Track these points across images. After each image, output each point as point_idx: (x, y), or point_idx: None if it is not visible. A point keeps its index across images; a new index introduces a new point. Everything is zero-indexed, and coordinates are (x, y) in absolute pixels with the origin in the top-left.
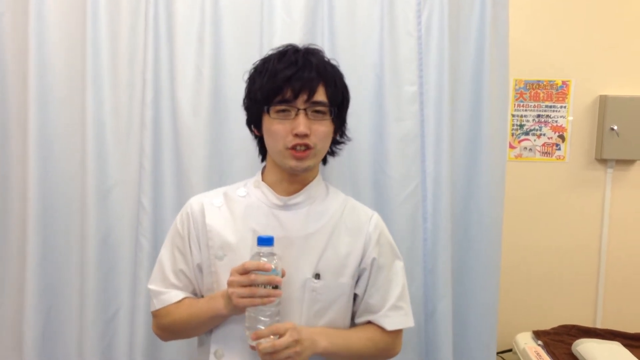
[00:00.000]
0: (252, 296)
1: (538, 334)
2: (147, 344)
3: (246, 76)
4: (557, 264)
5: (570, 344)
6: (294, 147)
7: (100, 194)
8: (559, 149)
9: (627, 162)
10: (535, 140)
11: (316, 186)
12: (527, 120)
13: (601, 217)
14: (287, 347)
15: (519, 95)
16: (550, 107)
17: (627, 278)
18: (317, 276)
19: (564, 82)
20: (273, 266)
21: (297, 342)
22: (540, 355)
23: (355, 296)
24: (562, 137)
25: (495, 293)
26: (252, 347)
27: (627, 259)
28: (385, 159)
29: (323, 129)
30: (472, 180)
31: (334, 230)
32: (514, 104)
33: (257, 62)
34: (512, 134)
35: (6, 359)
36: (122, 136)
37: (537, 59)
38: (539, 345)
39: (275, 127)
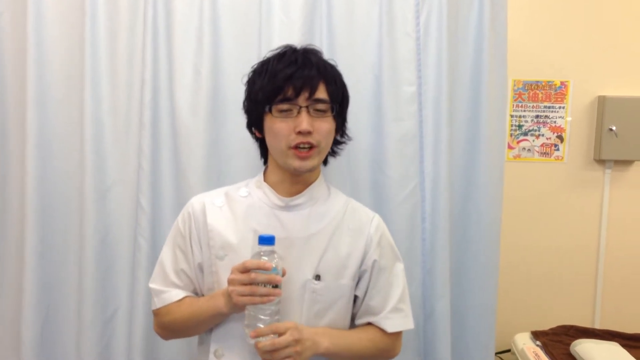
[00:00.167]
0: (251, 294)
1: (536, 335)
2: (145, 344)
3: (245, 79)
4: (556, 265)
5: (569, 345)
6: (297, 147)
7: (99, 194)
8: (558, 149)
9: (626, 163)
10: (533, 140)
11: (318, 187)
12: (526, 121)
13: (599, 218)
14: (286, 346)
15: (518, 96)
16: (549, 107)
17: (625, 278)
18: (318, 277)
19: (562, 83)
20: (273, 265)
21: (297, 341)
22: (538, 356)
23: (355, 298)
24: (560, 138)
25: (494, 293)
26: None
27: (626, 259)
28: (383, 159)
29: (326, 125)
30: (470, 181)
31: (335, 232)
32: (513, 105)
33: (256, 65)
34: (511, 135)
35: (4, 359)
36: (121, 136)
37: (536, 59)
38: (537, 345)
39: (278, 125)
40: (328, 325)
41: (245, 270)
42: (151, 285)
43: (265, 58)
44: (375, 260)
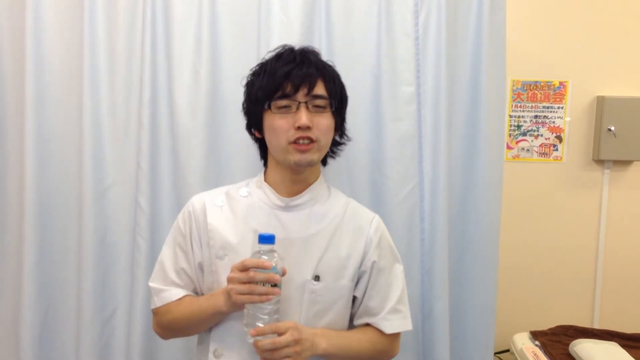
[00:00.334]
0: (250, 293)
1: (535, 335)
2: (144, 344)
3: (244, 81)
4: (555, 265)
5: (568, 345)
6: (296, 141)
7: (98, 194)
8: (557, 149)
9: (624, 163)
10: (532, 140)
11: (318, 187)
12: (525, 121)
13: (598, 218)
14: (286, 346)
15: (517, 96)
16: (548, 107)
17: (624, 278)
18: (317, 278)
19: (561, 83)
20: (273, 264)
21: (297, 341)
22: (537, 356)
23: (354, 298)
24: (559, 138)
25: (493, 293)
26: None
27: (625, 260)
28: (382, 159)
29: (325, 121)
30: (469, 181)
31: (335, 232)
32: (512, 105)
33: (254, 67)
34: (510, 135)
35: (3, 359)
36: (120, 136)
37: (535, 59)
38: (536, 345)
39: (277, 122)
40: (327, 325)
41: (244, 268)
42: (151, 284)
43: (264, 60)
44: (374, 261)
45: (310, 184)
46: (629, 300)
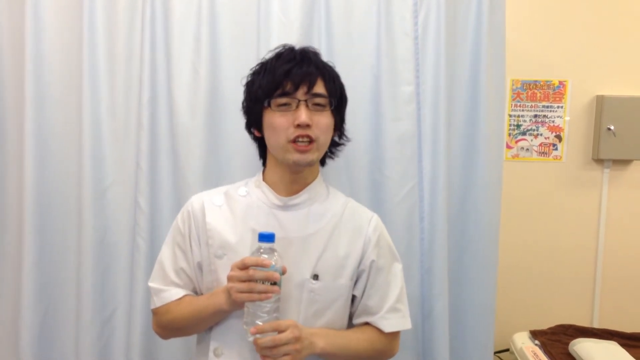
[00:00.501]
0: (250, 291)
1: (535, 334)
2: (144, 344)
3: (244, 81)
4: (554, 264)
5: (568, 344)
6: (296, 140)
7: (97, 194)
8: (556, 149)
9: (624, 162)
10: (532, 140)
11: (317, 187)
12: (524, 120)
13: (598, 217)
14: (286, 343)
15: (516, 96)
16: (547, 107)
17: (623, 278)
18: (316, 277)
19: (560, 82)
20: (272, 262)
21: (297, 339)
22: (537, 355)
23: (353, 297)
24: (559, 137)
25: (493, 293)
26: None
27: (624, 259)
28: (382, 158)
29: (324, 120)
30: (469, 180)
31: (334, 232)
32: (511, 104)
33: (255, 67)
34: (509, 134)
35: (3, 359)
36: (119, 136)
37: (534, 59)
38: (536, 345)
39: (277, 120)
40: (326, 324)
41: (244, 267)
42: (150, 284)
43: (264, 59)
44: (373, 261)
45: (308, 184)
46: (629, 299)
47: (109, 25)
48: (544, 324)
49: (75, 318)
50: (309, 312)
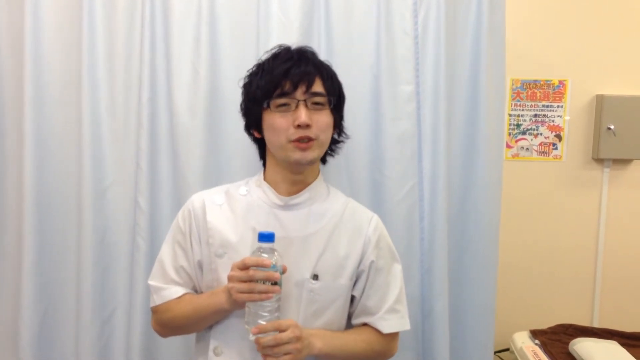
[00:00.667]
0: (250, 291)
1: (535, 333)
2: (144, 343)
3: (241, 82)
4: (554, 264)
5: (568, 343)
6: (297, 140)
7: (97, 194)
8: (556, 148)
9: (624, 162)
10: (532, 139)
11: (317, 187)
12: (524, 120)
13: (598, 217)
14: (288, 342)
15: (516, 95)
16: (547, 106)
17: (624, 277)
18: (316, 277)
19: (560, 82)
20: (273, 262)
21: (298, 338)
22: (537, 355)
23: (352, 298)
24: (559, 137)
25: (493, 292)
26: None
27: (624, 258)
28: (382, 158)
29: (324, 119)
30: (469, 180)
31: (334, 232)
32: (511, 104)
33: (252, 68)
34: (509, 134)
35: (3, 359)
36: (119, 136)
37: (534, 58)
38: (536, 344)
39: (277, 120)
40: (325, 324)
41: (244, 267)
42: (150, 282)
43: (261, 60)
44: (372, 261)
45: (309, 184)
46: (629, 299)
47: (109, 25)
48: (544, 324)
49: (75, 318)
50: (308, 311)
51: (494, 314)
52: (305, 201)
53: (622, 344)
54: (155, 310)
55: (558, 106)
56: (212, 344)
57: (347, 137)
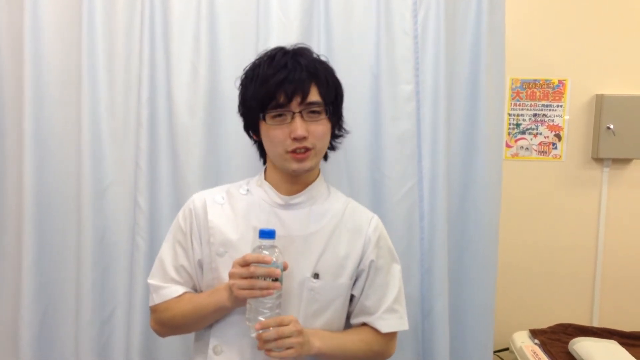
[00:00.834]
0: (251, 288)
1: (535, 333)
2: (143, 343)
3: (238, 82)
4: (554, 263)
5: (567, 343)
6: (294, 151)
7: (97, 193)
8: (556, 148)
9: (624, 161)
10: (531, 139)
11: (318, 187)
12: (524, 119)
13: (597, 216)
14: (290, 336)
15: (516, 95)
16: (547, 106)
17: (623, 277)
18: (316, 276)
19: (560, 81)
20: (274, 259)
21: (300, 332)
22: (537, 354)
23: (352, 297)
24: (558, 136)
25: (492, 292)
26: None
27: (624, 258)
28: (381, 158)
29: (320, 128)
30: (468, 180)
31: (334, 231)
32: (511, 103)
33: (247, 69)
34: (509, 133)
35: (2, 359)
36: (119, 135)
37: (534, 58)
38: (535, 344)
39: (273, 133)
40: (324, 324)
41: (245, 264)
42: (150, 281)
43: (256, 61)
44: (372, 261)
45: (309, 183)
46: (628, 298)
47: (109, 25)
48: (544, 323)
49: (75, 317)
50: (309, 311)
51: (493, 314)
52: (306, 201)
53: (622, 344)
54: (154, 309)
55: (558, 106)
56: (212, 342)
57: (347, 132)
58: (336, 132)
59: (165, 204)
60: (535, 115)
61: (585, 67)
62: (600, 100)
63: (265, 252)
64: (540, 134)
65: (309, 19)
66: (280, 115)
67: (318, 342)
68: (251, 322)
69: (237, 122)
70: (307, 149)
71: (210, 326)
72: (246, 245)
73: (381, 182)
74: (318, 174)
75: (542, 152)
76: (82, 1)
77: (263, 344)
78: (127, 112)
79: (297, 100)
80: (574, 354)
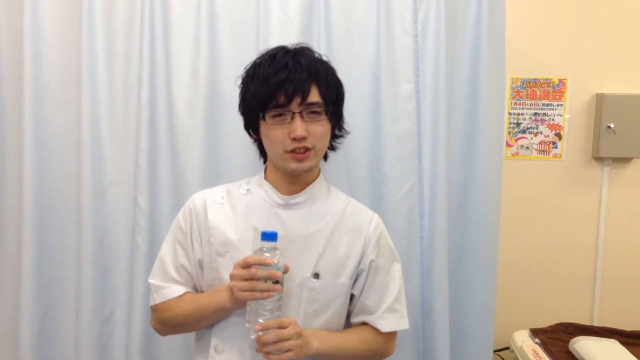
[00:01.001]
0: (252, 290)
1: (535, 332)
2: (144, 343)
3: (239, 81)
4: (554, 262)
5: (568, 342)
6: (293, 151)
7: (97, 193)
8: (556, 147)
9: (624, 160)
10: (532, 138)
11: (318, 186)
12: (524, 119)
13: (598, 215)
14: (289, 339)
15: (516, 94)
16: (547, 105)
17: (623, 276)
18: (317, 276)
19: (560, 80)
20: (275, 261)
21: (299, 335)
22: (537, 353)
23: (352, 296)
24: (558, 135)
25: (493, 291)
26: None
27: (624, 257)
28: (381, 157)
29: (320, 128)
30: (468, 179)
31: (334, 231)
32: (511, 102)
33: (248, 67)
34: (509, 132)
35: (3, 359)
36: (119, 135)
37: (534, 57)
38: (536, 343)
39: (273, 132)
40: (324, 323)
41: (246, 265)
42: (150, 280)
43: (257, 60)
44: (372, 260)
45: (309, 183)
46: (629, 297)
47: (108, 25)
48: (544, 322)
49: (75, 317)
50: (309, 310)
51: (493, 313)
52: (306, 200)
53: (622, 343)
54: (155, 309)
55: (558, 105)
56: (213, 342)
57: (348, 132)
58: (336, 132)
59: (165, 204)
60: (535, 114)
61: (585, 66)
62: (600, 99)
63: (267, 254)
64: (541, 133)
65: (308, 19)
66: (280, 115)
67: (317, 342)
68: (251, 323)
69: (237, 122)
70: (306, 149)
71: (212, 326)
72: (246, 245)
73: (381, 182)
74: (318, 174)
75: (543, 151)
76: (82, 1)
77: (262, 346)
78: (127, 112)
79: (297, 100)
80: (575, 353)
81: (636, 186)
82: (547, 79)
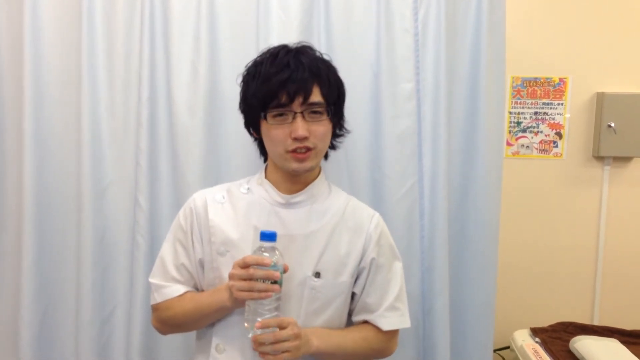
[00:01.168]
0: (250, 290)
1: (535, 331)
2: (144, 342)
3: (239, 79)
4: (555, 261)
5: (568, 341)
6: (294, 150)
7: (97, 193)
8: (556, 146)
9: (624, 159)
10: (532, 137)
11: (318, 185)
12: (525, 118)
13: (598, 214)
14: (287, 340)
15: (516, 93)
16: (548, 104)
17: (624, 275)
18: (318, 275)
19: (561, 79)
20: (273, 261)
21: (297, 336)
22: (537, 353)
23: (353, 294)
24: (559, 134)
25: (493, 290)
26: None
27: (624, 256)
28: (382, 156)
29: (322, 128)
30: (469, 178)
31: (335, 230)
32: (511, 101)
33: (250, 65)
34: (509, 131)
35: (3, 358)
36: (119, 134)
37: (534, 56)
38: (536, 342)
39: (274, 132)
40: (325, 322)
41: (245, 265)
42: (151, 280)
43: (259, 58)
44: (373, 258)
45: (310, 182)
46: (629, 296)
47: (108, 25)
48: (545, 322)
49: (75, 317)
50: (309, 309)
51: (494, 312)
52: (307, 199)
53: (623, 342)
54: (155, 308)
55: (558, 104)
56: (215, 341)
57: (348, 131)
58: (337, 131)
59: (166, 203)
60: (536, 113)
61: (586, 65)
62: (601, 98)
63: (266, 254)
64: (541, 132)
65: (309, 18)
66: (281, 114)
67: (317, 341)
68: (249, 323)
69: (237, 122)
70: (307, 149)
71: (213, 325)
72: (247, 244)
73: (381, 181)
74: (319, 173)
75: (543, 150)
76: (82, 1)
77: (258, 345)
78: (127, 112)
79: (299, 100)
80: (575, 353)
81: (637, 185)
82: (547, 78)
